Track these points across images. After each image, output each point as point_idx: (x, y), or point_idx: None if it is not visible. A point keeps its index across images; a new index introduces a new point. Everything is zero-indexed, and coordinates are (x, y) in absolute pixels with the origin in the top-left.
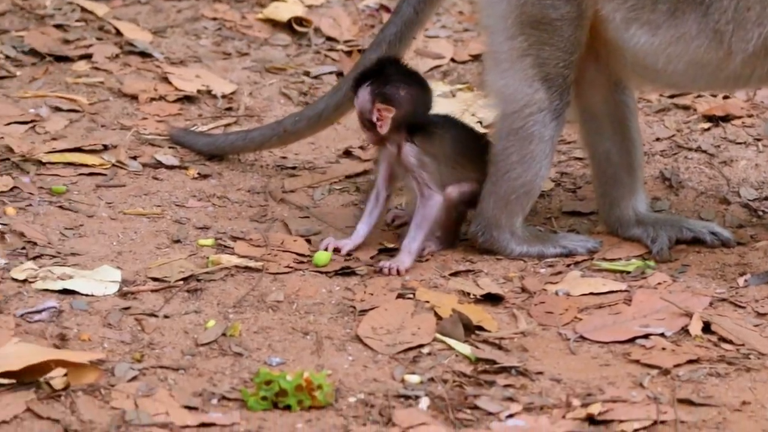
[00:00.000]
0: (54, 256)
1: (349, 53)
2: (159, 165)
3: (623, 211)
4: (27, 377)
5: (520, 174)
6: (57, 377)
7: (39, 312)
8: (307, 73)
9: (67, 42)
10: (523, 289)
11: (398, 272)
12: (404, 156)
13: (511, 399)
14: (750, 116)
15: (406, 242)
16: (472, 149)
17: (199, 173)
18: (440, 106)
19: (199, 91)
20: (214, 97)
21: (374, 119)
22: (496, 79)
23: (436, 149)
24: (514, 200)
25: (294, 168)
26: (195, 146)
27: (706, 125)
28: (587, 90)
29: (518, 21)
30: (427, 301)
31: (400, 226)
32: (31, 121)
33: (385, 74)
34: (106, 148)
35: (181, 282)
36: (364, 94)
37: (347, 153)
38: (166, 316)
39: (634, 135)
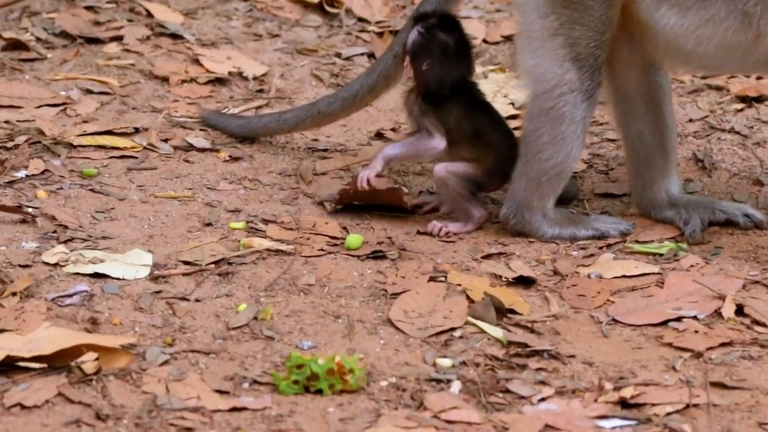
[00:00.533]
0: (85, 240)
1: (380, 34)
2: (190, 147)
3: (656, 192)
4: (58, 361)
5: (551, 155)
6: (88, 361)
7: (70, 296)
8: (338, 55)
9: (98, 24)
10: (555, 272)
11: (368, 182)
12: (410, 101)
13: (543, 383)
14: None
15: (383, 149)
16: (478, 132)
17: (230, 156)
18: None
19: (230, 73)
20: (246, 79)
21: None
22: (527, 58)
23: (439, 116)
24: (546, 182)
25: (325, 150)
26: (227, 128)
27: (740, 106)
28: (621, 70)
29: (550, 0)
30: (459, 284)
31: (428, 212)
32: (62, 104)
33: (433, 34)
34: (137, 130)
35: (213, 265)
36: (410, 36)
37: (379, 135)
38: (197, 300)
39: (668, 116)
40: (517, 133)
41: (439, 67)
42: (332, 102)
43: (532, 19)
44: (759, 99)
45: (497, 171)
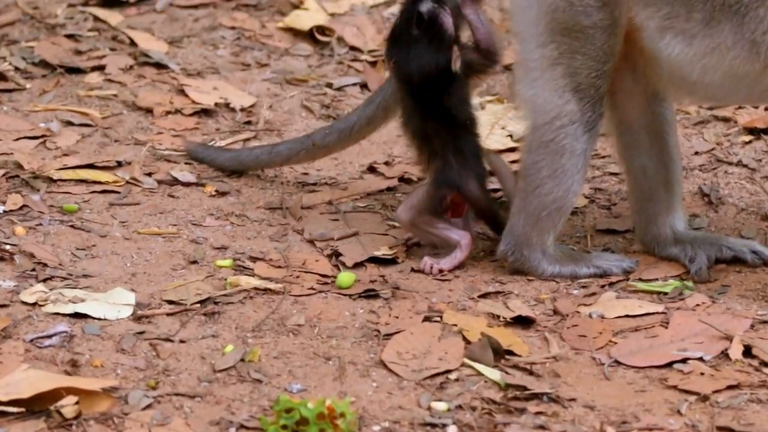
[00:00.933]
0: (65, 278)
1: (373, 63)
2: (175, 182)
3: (660, 228)
4: (37, 405)
5: (551, 189)
6: (68, 405)
7: (49, 337)
8: (329, 85)
9: (79, 53)
10: (555, 312)
11: None
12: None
13: (542, 427)
14: None
15: None
16: (422, 134)
17: (216, 190)
18: None
19: (216, 104)
20: (233, 110)
21: None
22: (526, 88)
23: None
24: (545, 217)
25: (315, 184)
26: (215, 162)
27: (747, 138)
28: (624, 101)
29: (549, 28)
30: (455, 325)
31: (414, 244)
32: (42, 136)
33: (408, 28)
34: (119, 164)
35: (198, 305)
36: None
37: (371, 169)
38: (182, 341)
39: (672, 149)
40: (515, 167)
41: (406, 62)
42: (328, 134)
43: (531, 48)
44: (767, 131)
45: (444, 184)
